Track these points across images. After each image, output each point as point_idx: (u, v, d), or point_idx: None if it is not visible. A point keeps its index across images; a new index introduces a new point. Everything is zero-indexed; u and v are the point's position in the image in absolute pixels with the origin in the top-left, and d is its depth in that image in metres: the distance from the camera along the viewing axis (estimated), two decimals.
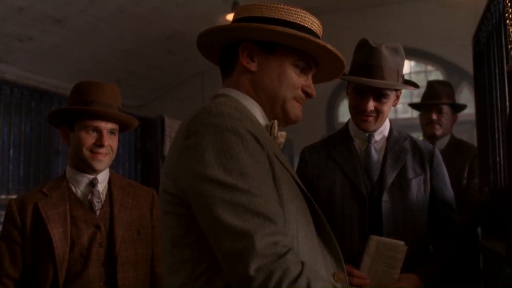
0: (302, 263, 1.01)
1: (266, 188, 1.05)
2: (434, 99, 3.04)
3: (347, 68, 1.76)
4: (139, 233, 1.96)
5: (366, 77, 1.88)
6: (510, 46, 1.95)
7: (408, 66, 7.53)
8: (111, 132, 1.94)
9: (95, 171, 1.94)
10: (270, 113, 1.29)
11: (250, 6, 1.29)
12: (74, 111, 1.89)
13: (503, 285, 2.25)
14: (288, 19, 1.25)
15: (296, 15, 1.26)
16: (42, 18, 5.89)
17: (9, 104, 5.08)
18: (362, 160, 1.98)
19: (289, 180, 1.18)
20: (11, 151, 5.01)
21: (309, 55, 1.28)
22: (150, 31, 6.91)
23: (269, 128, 1.27)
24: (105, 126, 1.91)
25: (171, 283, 1.14)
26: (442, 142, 2.99)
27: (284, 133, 1.31)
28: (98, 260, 1.85)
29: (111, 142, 1.93)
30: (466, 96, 6.81)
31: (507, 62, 2.06)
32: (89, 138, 1.89)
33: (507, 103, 2.06)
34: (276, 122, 1.27)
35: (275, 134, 1.26)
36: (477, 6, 3.29)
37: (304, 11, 1.28)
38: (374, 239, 1.77)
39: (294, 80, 1.26)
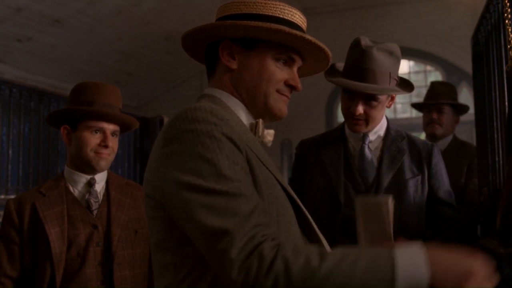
0: (278, 245, 0.97)
1: (245, 187, 1.04)
2: (434, 99, 3.05)
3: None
4: (136, 233, 1.97)
5: (357, 80, 1.84)
6: (509, 46, 1.95)
7: (407, 66, 7.52)
8: (113, 134, 1.97)
9: (95, 171, 1.96)
10: (253, 111, 1.26)
11: (229, 4, 1.27)
12: (80, 111, 1.91)
13: (502, 285, 2.24)
14: (266, 13, 1.22)
15: (274, 9, 1.23)
16: (40, 19, 5.87)
17: (7, 104, 5.09)
18: (355, 161, 1.97)
19: (272, 181, 1.16)
20: (10, 151, 5.01)
21: (291, 48, 1.25)
22: (148, 32, 6.89)
23: (254, 127, 1.24)
24: (109, 127, 1.94)
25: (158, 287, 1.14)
26: (444, 143, 2.99)
27: (271, 131, 1.28)
28: (95, 259, 1.87)
29: (113, 143, 1.97)
30: (465, 96, 6.80)
31: (506, 62, 2.06)
32: (94, 139, 1.92)
33: (506, 103, 2.06)
34: (260, 121, 1.25)
35: (260, 134, 1.24)
36: (476, 6, 3.29)
37: (284, 4, 1.24)
38: (358, 201, 1.65)
39: (276, 74, 1.23)
